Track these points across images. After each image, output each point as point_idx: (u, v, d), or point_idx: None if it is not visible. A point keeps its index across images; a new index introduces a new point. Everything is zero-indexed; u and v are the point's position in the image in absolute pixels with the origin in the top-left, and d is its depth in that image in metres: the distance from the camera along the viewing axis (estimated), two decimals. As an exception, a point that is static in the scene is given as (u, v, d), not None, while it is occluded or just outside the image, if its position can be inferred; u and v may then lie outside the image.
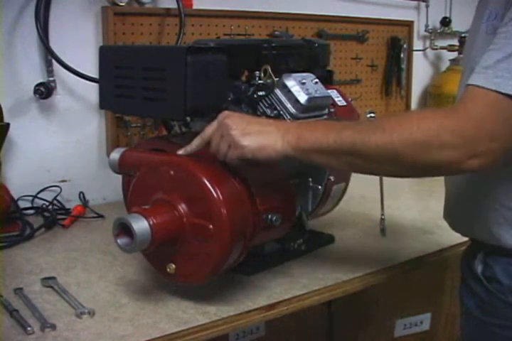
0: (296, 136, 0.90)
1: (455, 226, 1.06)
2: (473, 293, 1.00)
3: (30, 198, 1.54)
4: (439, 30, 2.33)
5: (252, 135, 0.92)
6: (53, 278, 1.11)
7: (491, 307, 0.96)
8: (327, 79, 1.27)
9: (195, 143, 1.00)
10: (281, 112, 1.12)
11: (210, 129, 0.98)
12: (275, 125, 0.94)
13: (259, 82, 1.13)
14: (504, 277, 0.94)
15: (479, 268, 0.98)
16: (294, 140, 0.90)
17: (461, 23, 2.25)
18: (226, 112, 0.99)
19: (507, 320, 0.95)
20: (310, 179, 1.20)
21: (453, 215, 1.06)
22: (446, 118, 0.80)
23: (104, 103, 1.17)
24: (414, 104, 2.36)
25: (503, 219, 0.93)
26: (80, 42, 1.56)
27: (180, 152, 1.00)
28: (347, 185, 1.26)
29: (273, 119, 0.99)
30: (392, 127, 0.82)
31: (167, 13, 1.65)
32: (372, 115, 1.23)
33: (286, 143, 0.90)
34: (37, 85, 1.50)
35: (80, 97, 1.60)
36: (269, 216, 1.01)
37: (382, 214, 1.31)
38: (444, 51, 2.35)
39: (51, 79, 1.53)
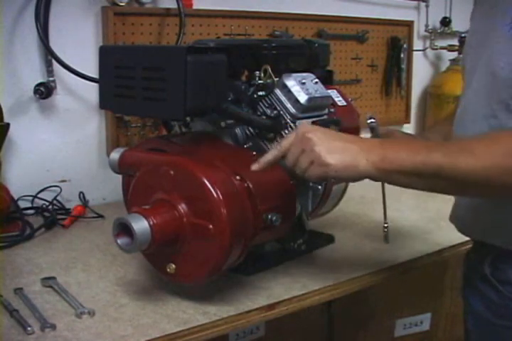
0: (380, 157, 0.87)
1: (464, 229, 1.05)
2: (482, 294, 0.99)
3: (30, 198, 1.54)
4: (439, 30, 2.33)
5: (337, 153, 0.89)
6: (53, 278, 1.11)
7: (502, 309, 0.96)
8: (327, 79, 1.27)
9: (271, 155, 0.96)
10: (281, 112, 1.12)
11: (287, 141, 0.94)
12: (358, 143, 0.90)
13: (259, 82, 1.13)
14: None
15: (489, 271, 0.97)
16: (378, 160, 0.87)
17: (461, 23, 2.25)
18: (306, 125, 0.95)
19: None
20: (310, 179, 1.19)
21: (463, 219, 1.05)
22: None
23: (104, 103, 1.17)
24: (414, 104, 2.36)
25: None
26: (79, 42, 1.56)
27: (255, 167, 0.96)
28: (347, 185, 1.26)
29: (354, 136, 0.95)
30: (482, 151, 0.81)
31: (167, 13, 1.65)
32: (373, 120, 1.23)
33: (371, 164, 0.87)
34: (37, 85, 1.50)
35: (80, 97, 1.60)
36: (269, 216, 1.01)
37: (386, 222, 1.31)
38: (444, 51, 2.35)
39: (51, 79, 1.53)
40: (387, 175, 0.88)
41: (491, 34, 0.94)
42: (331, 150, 0.89)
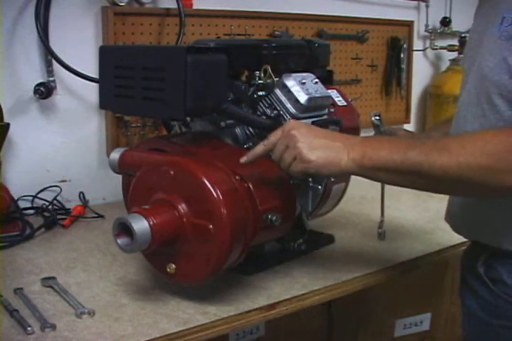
0: (361, 154, 0.90)
1: (457, 228, 1.06)
2: (476, 294, 1.00)
3: (30, 198, 1.54)
4: (439, 30, 2.33)
5: (318, 150, 0.92)
6: (53, 278, 1.11)
7: (495, 308, 0.96)
8: (327, 79, 1.27)
9: (258, 150, 0.99)
10: (281, 112, 1.12)
11: (274, 137, 0.97)
12: (341, 140, 0.93)
13: (259, 82, 1.13)
14: (510, 278, 0.93)
15: (482, 270, 0.98)
16: (359, 157, 0.90)
17: (461, 23, 2.25)
18: (293, 122, 0.98)
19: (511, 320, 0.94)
20: (310, 179, 1.20)
21: (456, 218, 1.06)
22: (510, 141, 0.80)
23: (104, 103, 1.17)
24: (414, 104, 2.36)
25: (509, 222, 0.93)
26: (80, 42, 1.56)
27: (243, 160, 0.99)
28: (347, 185, 1.26)
29: (337, 132, 0.98)
30: (457, 149, 0.82)
31: (167, 13, 1.65)
32: (377, 118, 1.23)
33: (351, 161, 0.90)
34: (37, 85, 1.50)
35: (80, 97, 1.60)
36: (269, 216, 1.01)
37: (382, 219, 1.31)
38: (444, 51, 2.35)
39: (51, 79, 1.52)
40: (368, 172, 0.91)
41: (484, 34, 0.94)
42: (313, 146, 0.92)
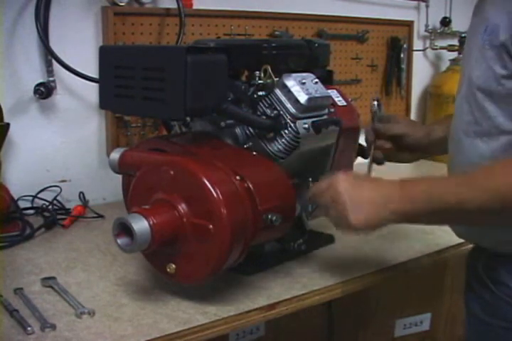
0: (400, 207, 0.90)
1: (457, 232, 1.06)
2: (477, 295, 1.00)
3: (30, 198, 1.54)
4: (439, 30, 2.33)
5: (360, 210, 0.92)
6: (53, 278, 1.11)
7: (496, 309, 0.96)
8: (327, 79, 1.27)
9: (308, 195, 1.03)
10: (281, 112, 1.12)
11: (320, 187, 1.00)
12: (382, 195, 0.93)
13: (259, 82, 1.12)
14: (511, 280, 0.93)
15: (483, 271, 0.98)
16: (399, 211, 0.91)
17: (461, 23, 2.25)
18: (341, 176, 0.97)
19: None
20: (310, 179, 1.20)
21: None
22: None
23: (104, 103, 1.17)
24: (414, 104, 2.36)
25: (508, 226, 0.92)
26: (80, 42, 1.55)
27: None
28: (347, 185, 1.26)
29: (375, 182, 0.97)
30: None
31: (167, 13, 1.65)
32: (376, 103, 1.22)
33: (392, 215, 0.91)
34: (37, 85, 1.50)
35: (80, 97, 1.60)
36: (269, 216, 1.01)
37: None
38: (444, 51, 2.35)
39: (51, 79, 1.52)
40: (407, 219, 0.92)
41: (471, 41, 0.95)
42: (355, 204, 0.93)
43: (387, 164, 1.27)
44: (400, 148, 1.24)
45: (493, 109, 0.89)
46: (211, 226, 0.94)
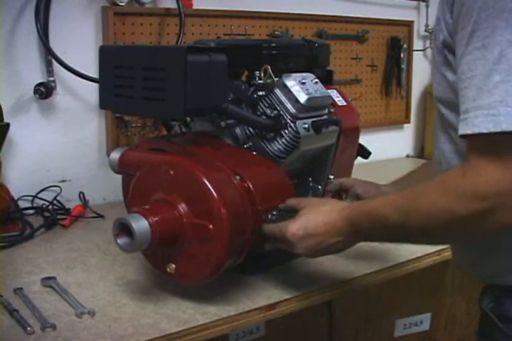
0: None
1: (463, 270, 1.02)
2: (487, 333, 0.93)
3: (30, 198, 1.54)
4: (439, 30, 2.33)
5: (313, 250, 0.94)
6: (53, 278, 1.11)
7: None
8: (327, 79, 1.27)
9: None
10: (281, 112, 1.12)
11: (272, 232, 0.99)
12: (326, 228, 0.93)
13: (259, 82, 1.12)
14: None
15: (490, 307, 0.92)
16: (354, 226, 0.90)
17: (461, 23, 2.25)
18: (291, 227, 0.96)
19: None
20: (310, 179, 1.20)
21: (459, 260, 1.02)
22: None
23: (104, 103, 1.17)
24: (414, 104, 2.36)
25: (507, 261, 0.88)
26: (80, 42, 1.56)
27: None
28: (347, 185, 1.26)
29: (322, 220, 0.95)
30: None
31: (167, 13, 1.65)
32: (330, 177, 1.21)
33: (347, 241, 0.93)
34: (37, 85, 1.50)
35: (79, 97, 1.60)
36: (269, 216, 1.01)
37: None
38: (444, 51, 2.35)
39: (51, 79, 1.53)
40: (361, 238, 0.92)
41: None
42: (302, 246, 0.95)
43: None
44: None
45: (453, 118, 0.86)
46: (211, 226, 0.94)
